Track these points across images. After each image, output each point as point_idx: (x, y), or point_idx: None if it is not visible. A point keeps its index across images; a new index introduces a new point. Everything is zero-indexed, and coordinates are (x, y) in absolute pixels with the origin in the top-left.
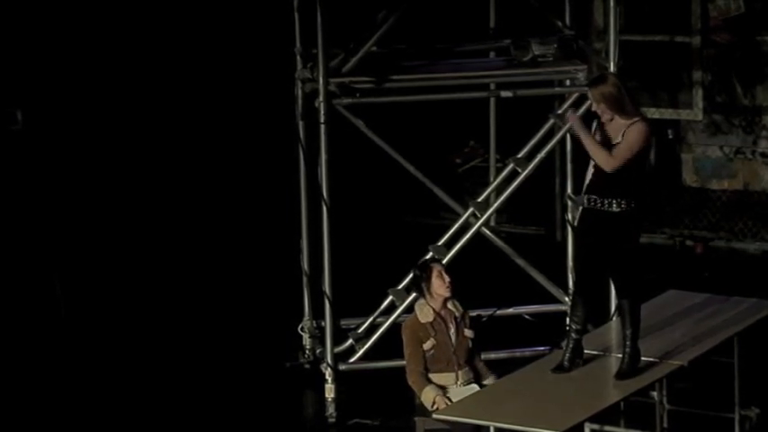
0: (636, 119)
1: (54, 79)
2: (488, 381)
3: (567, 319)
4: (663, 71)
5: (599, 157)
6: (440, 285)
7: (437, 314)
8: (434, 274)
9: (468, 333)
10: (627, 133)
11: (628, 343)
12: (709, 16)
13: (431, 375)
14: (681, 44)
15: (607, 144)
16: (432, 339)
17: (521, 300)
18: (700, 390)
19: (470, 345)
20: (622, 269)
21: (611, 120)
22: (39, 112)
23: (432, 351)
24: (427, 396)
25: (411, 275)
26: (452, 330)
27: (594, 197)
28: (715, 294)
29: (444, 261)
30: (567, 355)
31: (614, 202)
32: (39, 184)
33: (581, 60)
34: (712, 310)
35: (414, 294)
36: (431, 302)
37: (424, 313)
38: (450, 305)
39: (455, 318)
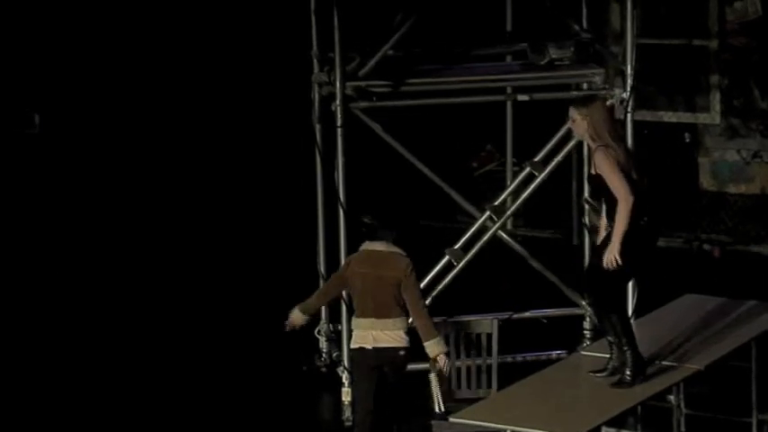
0: (598, 144)
1: (70, 84)
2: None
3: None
4: (680, 75)
5: (622, 211)
6: None
7: None
8: None
9: None
10: (597, 164)
11: (628, 352)
12: (726, 20)
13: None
14: (698, 48)
15: None
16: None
17: (537, 303)
18: (717, 394)
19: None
20: (603, 286)
21: (586, 141)
22: (56, 115)
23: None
24: (438, 346)
25: (374, 221)
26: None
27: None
28: (732, 298)
29: (461, 264)
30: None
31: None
32: (55, 186)
33: (598, 64)
34: (729, 314)
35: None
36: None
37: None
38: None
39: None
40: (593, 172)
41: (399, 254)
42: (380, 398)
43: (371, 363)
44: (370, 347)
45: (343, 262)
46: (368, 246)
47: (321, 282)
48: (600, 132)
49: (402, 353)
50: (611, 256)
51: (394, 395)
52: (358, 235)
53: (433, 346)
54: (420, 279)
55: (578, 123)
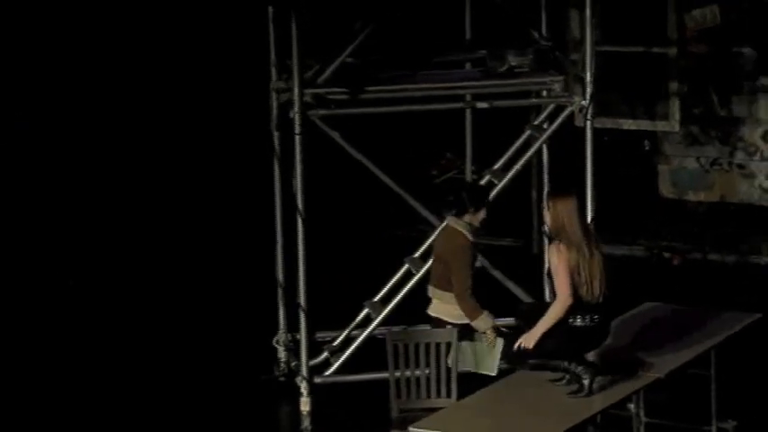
0: (558, 240)
1: (24, 90)
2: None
3: None
4: (639, 82)
5: (558, 311)
6: (484, 217)
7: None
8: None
9: None
10: (549, 258)
11: (579, 368)
12: (685, 27)
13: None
14: (657, 55)
15: None
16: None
17: (497, 312)
18: (677, 402)
19: None
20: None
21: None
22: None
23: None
24: (484, 322)
25: (461, 193)
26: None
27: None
28: (692, 306)
29: (420, 273)
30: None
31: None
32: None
33: (557, 71)
34: (689, 322)
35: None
36: (469, 227)
37: (469, 233)
38: None
39: None
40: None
41: (456, 232)
42: None
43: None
44: (431, 314)
45: (302, 268)
46: (447, 218)
47: (279, 291)
48: (560, 228)
49: (449, 327)
50: (525, 343)
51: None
52: (316, 244)
53: (480, 324)
54: (378, 288)
55: (546, 212)
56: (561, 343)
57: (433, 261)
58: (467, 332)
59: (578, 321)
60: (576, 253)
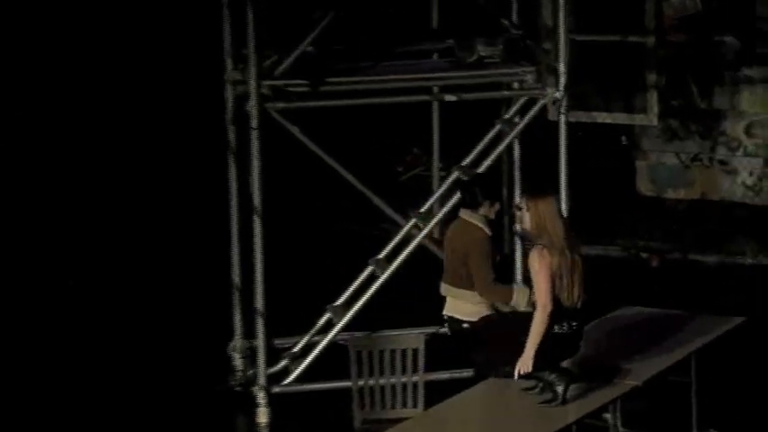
0: (540, 244)
1: None
2: None
3: None
4: (615, 73)
5: (540, 322)
6: (499, 209)
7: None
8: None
9: None
10: (530, 262)
11: (553, 375)
12: (663, 15)
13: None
14: (634, 44)
15: None
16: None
17: None
18: (655, 411)
19: None
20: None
21: (525, 231)
22: None
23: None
24: (523, 294)
25: (473, 187)
26: None
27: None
28: (671, 310)
29: (385, 275)
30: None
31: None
32: None
33: (529, 62)
34: (668, 326)
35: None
36: (485, 220)
37: (486, 226)
38: None
39: None
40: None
41: (473, 226)
42: None
43: (449, 330)
44: (445, 314)
45: (259, 270)
46: (460, 213)
47: (235, 294)
48: (542, 231)
49: (465, 326)
50: (523, 367)
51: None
52: (275, 244)
53: (520, 299)
54: (341, 291)
55: (524, 213)
56: (537, 351)
57: (449, 258)
58: (484, 328)
59: (555, 328)
60: (558, 257)
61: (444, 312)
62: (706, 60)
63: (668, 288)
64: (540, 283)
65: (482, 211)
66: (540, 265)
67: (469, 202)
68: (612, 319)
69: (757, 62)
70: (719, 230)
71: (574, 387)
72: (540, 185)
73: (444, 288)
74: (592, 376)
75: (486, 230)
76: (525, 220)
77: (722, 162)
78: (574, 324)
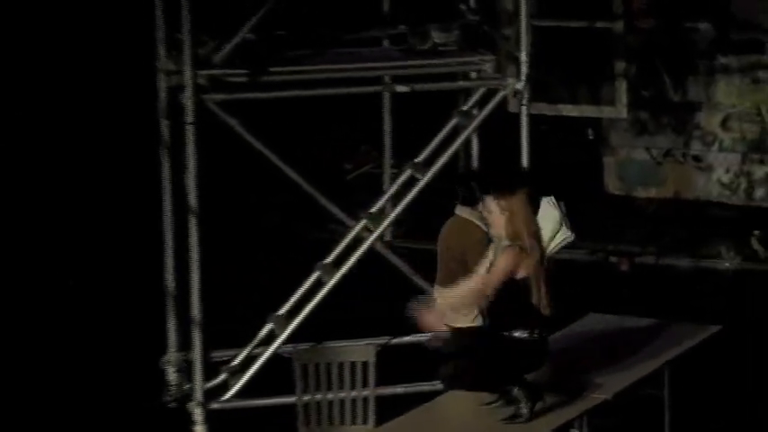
0: (510, 243)
1: None
2: None
3: None
4: (581, 62)
5: (471, 289)
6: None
7: None
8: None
9: None
10: (502, 261)
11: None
12: None
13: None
14: (601, 31)
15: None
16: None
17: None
18: (626, 427)
19: None
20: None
21: (498, 237)
22: None
23: None
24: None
25: (469, 181)
26: None
27: None
28: (642, 318)
29: (332, 281)
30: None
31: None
32: None
33: (488, 49)
34: (639, 335)
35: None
36: (482, 220)
37: (484, 224)
38: None
39: None
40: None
41: (471, 224)
42: None
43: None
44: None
45: (196, 276)
46: (456, 210)
47: (169, 302)
48: (518, 232)
49: (448, 335)
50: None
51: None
52: (213, 248)
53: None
54: (285, 298)
55: (496, 217)
56: (500, 358)
57: (444, 258)
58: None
59: (519, 333)
60: (533, 260)
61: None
62: (678, 48)
63: (639, 294)
64: (495, 276)
65: (480, 207)
66: (509, 265)
67: (467, 199)
68: (579, 327)
69: (733, 50)
70: (694, 232)
71: (539, 402)
72: (509, 181)
73: (435, 290)
74: (558, 389)
75: (485, 229)
76: (496, 223)
77: (696, 158)
78: (543, 333)
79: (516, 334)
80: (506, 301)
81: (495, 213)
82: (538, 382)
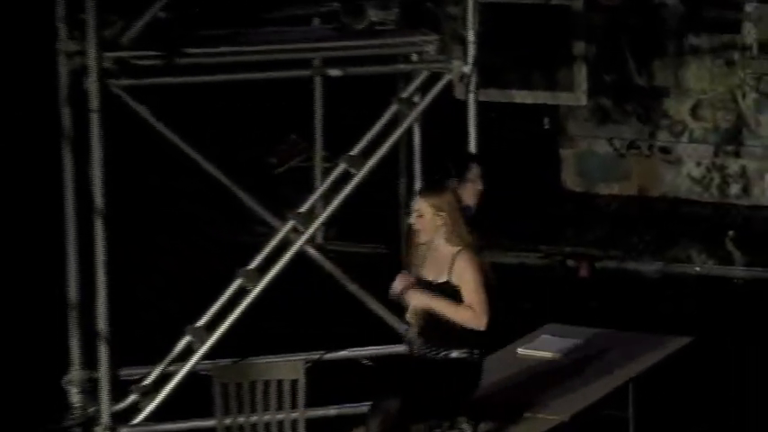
0: (460, 247)
1: None
2: None
3: None
4: (536, 43)
5: (466, 319)
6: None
7: None
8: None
9: None
10: (459, 269)
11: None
12: None
13: None
14: (558, 7)
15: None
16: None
17: (356, 338)
18: None
19: None
20: None
21: (429, 241)
22: None
23: None
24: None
25: (445, 162)
26: None
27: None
28: (604, 328)
29: (257, 289)
30: None
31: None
32: None
33: (431, 29)
34: (601, 348)
35: None
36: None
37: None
38: None
39: None
40: (442, 279)
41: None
42: None
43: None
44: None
45: (102, 283)
46: None
47: (71, 314)
48: (459, 230)
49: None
50: (406, 291)
51: None
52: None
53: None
54: (204, 308)
55: (428, 220)
56: (436, 381)
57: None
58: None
59: (457, 353)
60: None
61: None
62: (644, 27)
63: (600, 302)
64: (476, 294)
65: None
66: (474, 271)
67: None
68: (533, 340)
69: (706, 28)
70: (661, 233)
71: (485, 426)
72: (436, 179)
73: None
74: (508, 411)
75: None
76: (428, 228)
77: (664, 150)
78: (482, 351)
79: (453, 354)
80: (443, 319)
81: (428, 216)
82: (482, 402)
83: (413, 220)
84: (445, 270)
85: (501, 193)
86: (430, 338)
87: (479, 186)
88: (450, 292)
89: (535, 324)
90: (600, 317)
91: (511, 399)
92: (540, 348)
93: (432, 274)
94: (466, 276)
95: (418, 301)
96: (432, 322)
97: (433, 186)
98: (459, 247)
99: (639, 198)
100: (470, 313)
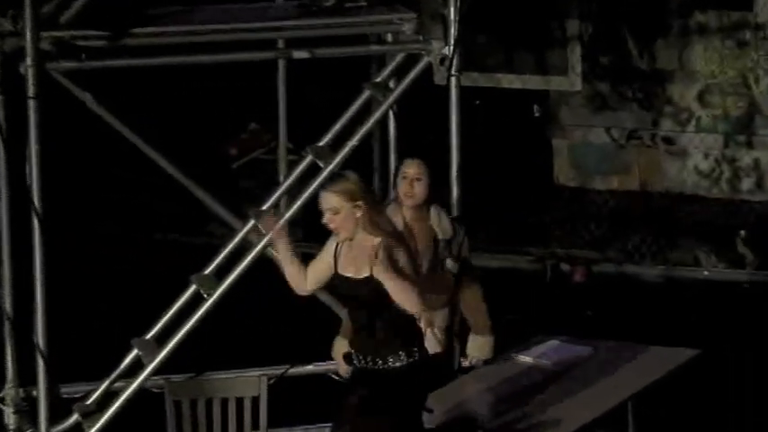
0: (384, 237)
1: None
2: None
3: None
4: (525, 21)
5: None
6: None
7: (407, 226)
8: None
9: (450, 266)
10: (383, 260)
11: None
12: None
13: None
14: None
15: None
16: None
17: (323, 352)
18: None
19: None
20: None
21: (347, 239)
22: None
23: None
24: (335, 348)
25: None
26: (425, 256)
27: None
28: (600, 340)
29: (214, 297)
30: None
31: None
32: None
33: (407, 6)
34: (597, 362)
35: None
36: (401, 209)
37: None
38: (433, 221)
39: (435, 240)
40: (364, 274)
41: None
42: None
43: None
44: None
45: (40, 291)
46: None
47: (6, 325)
48: (380, 220)
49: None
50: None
51: None
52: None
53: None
54: (154, 319)
55: (345, 214)
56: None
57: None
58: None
59: (393, 361)
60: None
61: None
62: (645, 3)
63: (596, 310)
64: (401, 282)
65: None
66: (397, 261)
67: None
68: (522, 353)
69: (713, 4)
70: (664, 233)
71: None
72: (340, 175)
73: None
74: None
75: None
76: (346, 225)
77: (668, 140)
78: (422, 353)
79: (391, 362)
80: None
81: (344, 212)
82: (466, 418)
83: (327, 220)
84: (367, 264)
85: (486, 189)
86: (361, 348)
87: (425, 180)
88: (373, 287)
89: (523, 337)
90: (596, 327)
91: (497, 417)
92: (530, 360)
93: (351, 270)
94: (385, 269)
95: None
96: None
97: (337, 177)
98: (379, 238)
99: (640, 194)
100: (412, 305)
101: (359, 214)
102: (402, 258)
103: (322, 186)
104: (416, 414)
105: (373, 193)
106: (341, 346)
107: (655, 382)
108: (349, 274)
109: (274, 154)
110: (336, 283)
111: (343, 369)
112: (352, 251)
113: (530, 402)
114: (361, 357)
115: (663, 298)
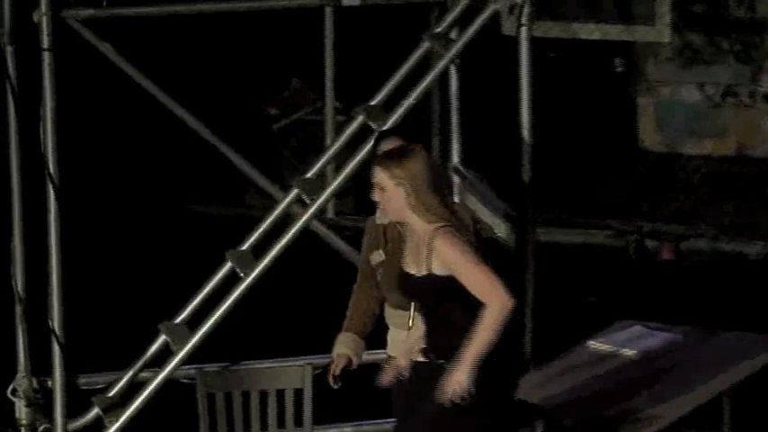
0: (440, 224)
1: None
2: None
3: None
4: None
5: (496, 317)
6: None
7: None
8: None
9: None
10: (442, 254)
11: None
12: None
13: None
14: None
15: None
16: (381, 252)
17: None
18: None
19: None
20: None
21: (400, 222)
22: None
23: (380, 270)
24: (336, 347)
25: None
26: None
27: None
28: (691, 326)
29: (251, 276)
30: None
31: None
32: None
33: None
34: (687, 350)
35: None
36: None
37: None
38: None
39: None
40: (421, 272)
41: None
42: None
43: None
44: None
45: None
46: None
47: (18, 308)
48: (430, 204)
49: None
50: (457, 386)
51: None
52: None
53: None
54: (184, 301)
55: (391, 193)
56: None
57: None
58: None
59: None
60: (464, 227)
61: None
62: None
63: (686, 293)
64: (479, 276)
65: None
66: (462, 251)
67: None
68: (602, 340)
69: None
70: (764, 204)
71: None
72: (400, 148)
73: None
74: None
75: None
76: (393, 204)
77: None
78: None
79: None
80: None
81: (389, 189)
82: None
83: (375, 195)
84: (423, 258)
85: (560, 155)
86: (435, 347)
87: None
88: (438, 286)
89: (603, 322)
90: (687, 311)
91: (577, 412)
92: (611, 348)
93: (412, 265)
94: (453, 259)
95: (465, 374)
96: (444, 322)
97: (394, 151)
98: (433, 225)
99: (737, 159)
100: (494, 309)
101: (404, 196)
102: (464, 246)
103: (373, 153)
104: (495, 409)
105: (432, 170)
106: (345, 344)
107: (754, 375)
108: (412, 271)
109: (320, 114)
110: (387, 278)
111: (338, 368)
112: (412, 242)
113: (610, 396)
114: (431, 356)
115: (764, 277)
